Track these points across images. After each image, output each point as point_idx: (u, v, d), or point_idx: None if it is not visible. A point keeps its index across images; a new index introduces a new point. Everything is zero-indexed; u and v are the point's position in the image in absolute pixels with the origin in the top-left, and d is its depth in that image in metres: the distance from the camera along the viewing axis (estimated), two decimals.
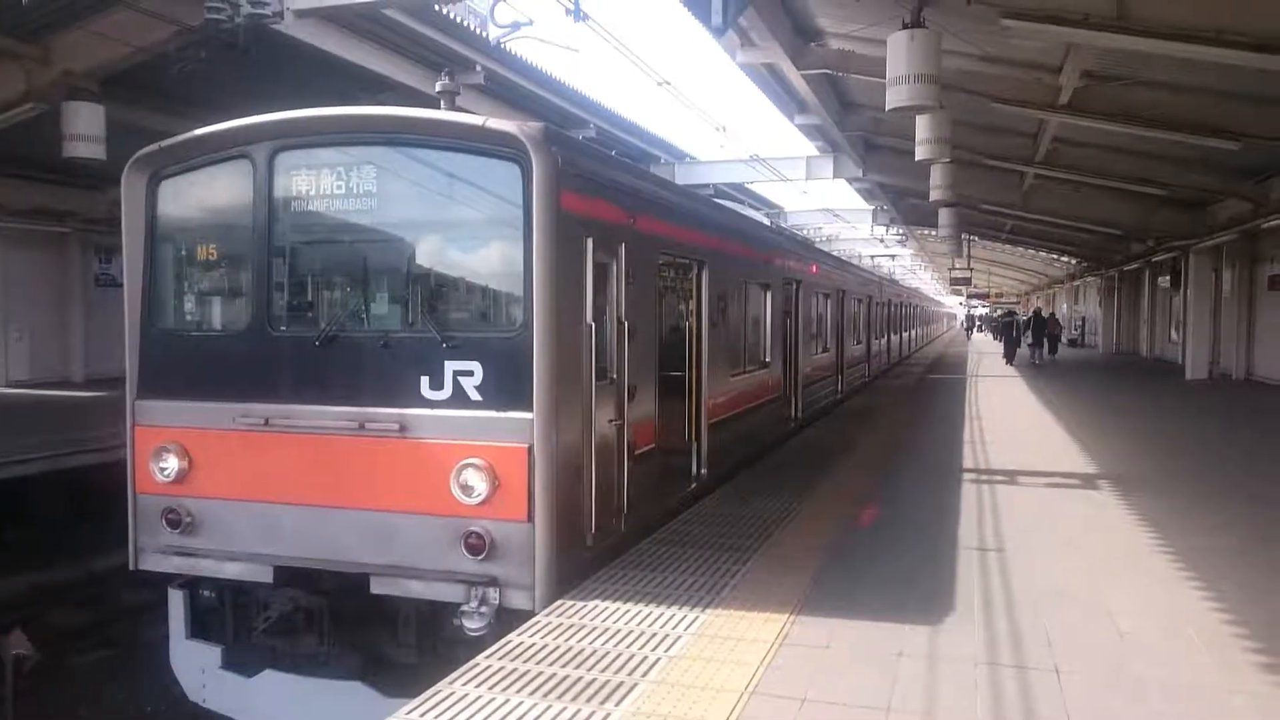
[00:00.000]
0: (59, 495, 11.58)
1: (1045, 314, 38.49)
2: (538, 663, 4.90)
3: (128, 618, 10.75)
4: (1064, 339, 41.52)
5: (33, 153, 16.11)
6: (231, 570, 6.54)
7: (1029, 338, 33.68)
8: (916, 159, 13.90)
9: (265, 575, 6.43)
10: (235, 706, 6.76)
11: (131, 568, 6.89)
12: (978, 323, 72.12)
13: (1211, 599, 5.99)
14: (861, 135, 21.22)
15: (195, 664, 6.89)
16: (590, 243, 6.43)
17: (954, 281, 45.40)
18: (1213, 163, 18.51)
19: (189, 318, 7.07)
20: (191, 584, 6.92)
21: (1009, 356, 32.65)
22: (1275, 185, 19.24)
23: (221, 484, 6.52)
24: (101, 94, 12.54)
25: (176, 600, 6.95)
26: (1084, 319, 49.79)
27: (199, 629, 6.95)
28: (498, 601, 5.86)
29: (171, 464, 6.58)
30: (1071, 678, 4.73)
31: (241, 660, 6.77)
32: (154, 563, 6.79)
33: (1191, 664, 4.96)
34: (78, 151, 12.42)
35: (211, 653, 6.83)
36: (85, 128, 12.38)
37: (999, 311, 57.82)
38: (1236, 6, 9.91)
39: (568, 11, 9.25)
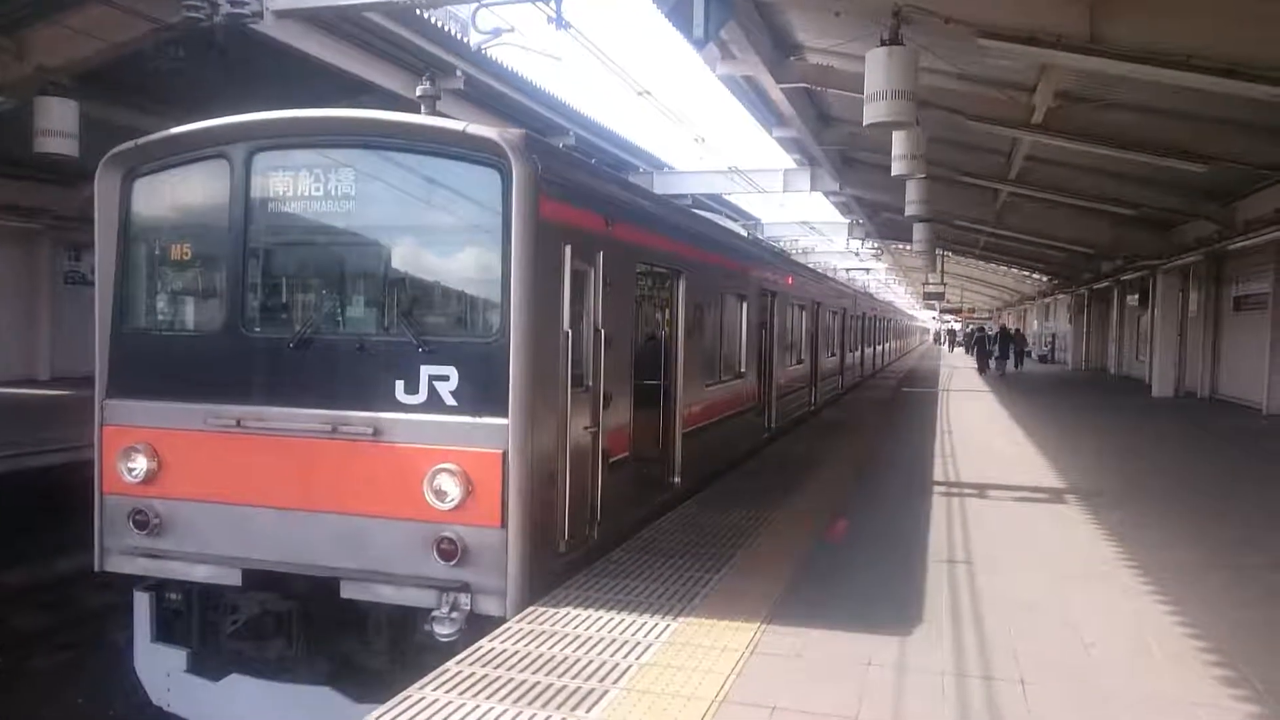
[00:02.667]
0: (20, 495, 11.39)
1: (1011, 330, 42.72)
2: (509, 669, 4.89)
3: (91, 620, 10.59)
4: (1034, 354, 44.76)
5: (2, 148, 15.91)
6: (200, 573, 6.47)
7: (997, 350, 36.39)
8: (892, 174, 14.04)
9: (234, 578, 6.37)
10: (200, 711, 6.66)
11: (97, 569, 6.79)
12: (958, 337, 71.90)
13: (1175, 612, 6.09)
14: (839, 149, 21.40)
15: (160, 667, 6.79)
16: (568, 250, 6.44)
17: (927, 296, 45.88)
18: (1181, 184, 18.87)
19: (161, 317, 7.00)
20: (158, 586, 6.83)
21: (981, 368, 36.04)
22: (1241, 208, 19.62)
23: (191, 485, 6.45)
24: (77, 90, 12.41)
25: (142, 602, 6.86)
26: (1054, 336, 50.45)
27: (164, 632, 6.86)
28: (469, 607, 5.84)
29: (140, 464, 6.50)
30: (1036, 689, 4.79)
31: (208, 664, 6.69)
32: (120, 564, 6.69)
33: (1155, 676, 5.04)
34: (49, 147, 12.29)
35: (177, 656, 6.74)
36: (58, 123, 12.25)
37: (970, 327, 59.55)
38: (1205, 32, 10.12)
39: (549, 19, 9.29)
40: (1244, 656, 5.27)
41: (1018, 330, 45.83)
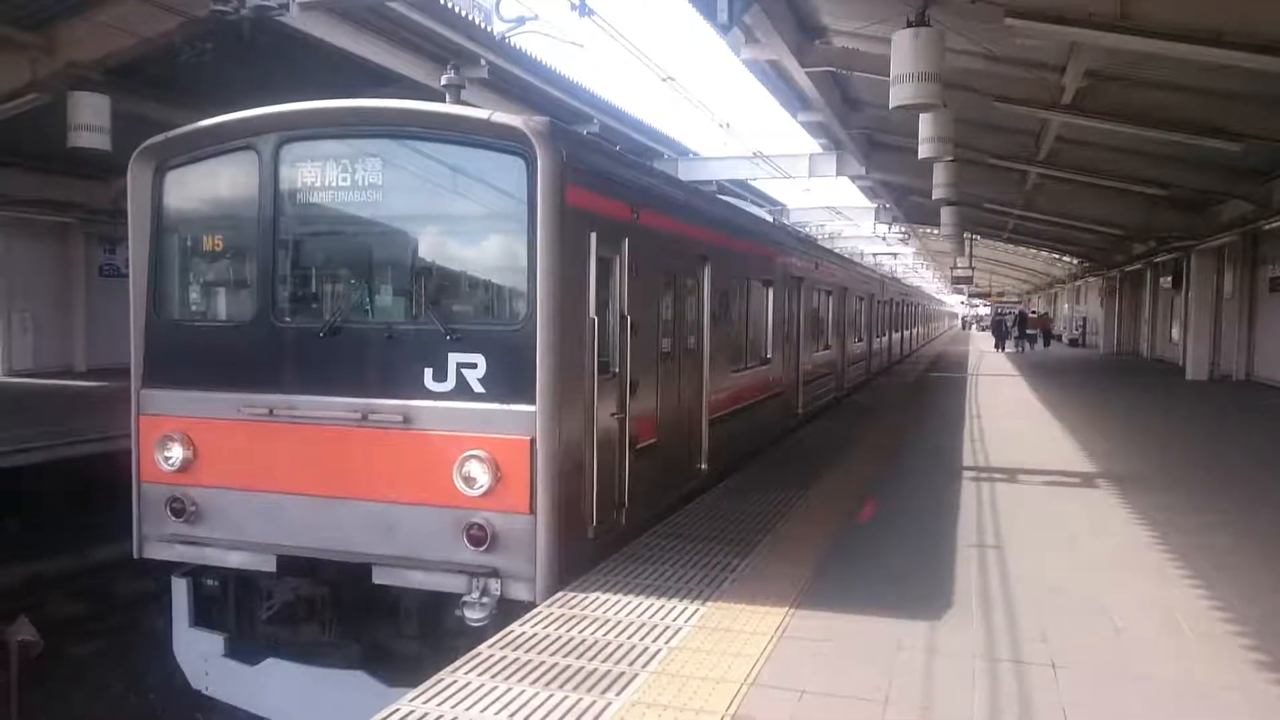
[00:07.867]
0: (59, 485, 11.62)
1: (1030, 313, 49.79)
2: (539, 652, 4.95)
3: (129, 607, 10.80)
4: (1064, 338, 46.61)
5: (37, 143, 16.15)
6: (235, 559, 6.59)
7: (1016, 331, 41.52)
8: (919, 157, 13.92)
9: (269, 564, 6.47)
10: (238, 695, 6.80)
11: (136, 556, 6.93)
12: (985, 322, 73.00)
13: (1206, 596, 6.04)
14: (865, 133, 21.22)
15: (198, 652, 6.94)
16: (594, 237, 6.46)
17: (955, 280, 45.44)
18: (1215, 163, 18.54)
19: (194, 308, 7.11)
20: (195, 572, 6.97)
21: (1000, 346, 42.03)
22: (1277, 187, 19.25)
23: (226, 473, 6.56)
24: (107, 85, 12.56)
25: (180, 589, 7.00)
26: (1084, 319, 49.92)
27: (202, 617, 7.01)
28: (499, 592, 5.91)
29: (176, 453, 6.62)
30: (1067, 672, 4.78)
31: (244, 649, 6.82)
32: (158, 551, 6.83)
33: (1186, 660, 5.00)
34: (82, 142, 12.46)
35: (214, 641, 6.88)
36: (90, 118, 12.42)
37: (999, 311, 60.55)
38: (1238, 8, 9.93)
39: (573, 6, 9.27)
40: (1278, 640, 5.22)
41: (1043, 314, 51.00)
